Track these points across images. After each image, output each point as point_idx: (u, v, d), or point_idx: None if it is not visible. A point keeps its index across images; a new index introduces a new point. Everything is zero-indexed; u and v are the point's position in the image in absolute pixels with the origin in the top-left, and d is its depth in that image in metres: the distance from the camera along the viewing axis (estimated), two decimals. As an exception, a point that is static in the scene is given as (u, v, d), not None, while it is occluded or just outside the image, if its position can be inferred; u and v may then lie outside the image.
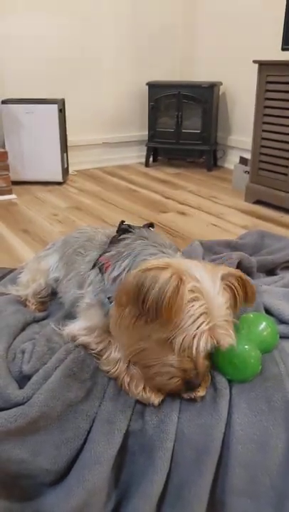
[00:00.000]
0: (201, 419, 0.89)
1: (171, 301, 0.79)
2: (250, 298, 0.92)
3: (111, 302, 0.95)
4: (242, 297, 0.91)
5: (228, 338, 0.84)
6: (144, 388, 0.90)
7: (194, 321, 0.81)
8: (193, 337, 0.81)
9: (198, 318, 0.81)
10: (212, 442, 0.87)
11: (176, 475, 0.89)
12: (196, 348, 0.81)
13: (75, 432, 0.90)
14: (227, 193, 3.58)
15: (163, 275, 0.80)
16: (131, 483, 0.91)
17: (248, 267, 1.38)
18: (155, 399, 0.89)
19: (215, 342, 0.82)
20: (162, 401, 0.90)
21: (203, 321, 0.81)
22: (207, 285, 0.85)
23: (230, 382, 0.93)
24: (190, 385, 0.87)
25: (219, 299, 0.85)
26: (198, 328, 0.81)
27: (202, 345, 0.81)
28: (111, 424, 0.89)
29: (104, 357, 0.94)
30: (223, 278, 0.88)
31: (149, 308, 0.79)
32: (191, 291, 0.82)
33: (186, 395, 0.90)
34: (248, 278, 0.93)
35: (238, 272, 0.91)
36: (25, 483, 0.93)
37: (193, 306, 0.82)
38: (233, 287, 0.89)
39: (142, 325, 0.83)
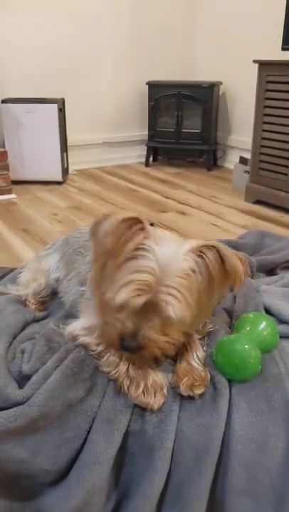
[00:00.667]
0: (201, 418, 0.89)
1: (115, 232, 0.79)
2: (231, 275, 0.84)
3: None
4: (218, 271, 0.84)
5: (168, 308, 0.80)
6: (143, 392, 0.89)
7: (130, 274, 0.80)
8: (121, 287, 0.80)
9: (135, 273, 0.80)
10: (212, 442, 0.87)
11: (176, 475, 0.89)
12: (125, 301, 0.80)
13: (74, 431, 0.90)
14: (227, 192, 3.58)
15: (120, 215, 0.81)
16: (131, 483, 0.91)
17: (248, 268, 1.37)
18: (154, 403, 0.88)
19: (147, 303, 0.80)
20: (161, 405, 0.90)
21: (139, 279, 0.79)
22: (165, 249, 0.82)
23: (230, 381, 0.93)
24: (124, 345, 0.84)
25: (174, 266, 0.81)
26: (129, 282, 0.79)
27: (128, 299, 0.79)
28: (111, 424, 0.89)
29: (104, 359, 0.94)
30: (194, 249, 0.84)
31: (99, 245, 0.81)
32: (143, 248, 0.81)
33: (184, 393, 0.90)
34: (231, 252, 0.85)
35: (216, 243, 0.85)
36: (25, 482, 0.93)
37: (137, 261, 0.81)
38: (207, 259, 0.83)
39: (102, 273, 0.85)
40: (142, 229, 0.83)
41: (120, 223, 0.81)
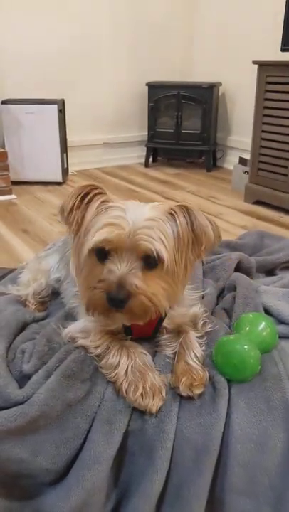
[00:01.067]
0: (201, 418, 0.89)
1: (74, 197, 0.88)
2: (200, 235, 0.88)
3: None
4: (187, 230, 0.87)
5: (146, 244, 0.84)
6: (141, 394, 0.89)
7: (101, 223, 0.86)
8: (95, 233, 0.85)
9: (106, 219, 0.86)
10: (211, 442, 0.87)
11: (175, 474, 0.90)
12: (102, 240, 0.84)
13: (74, 431, 0.91)
14: (226, 193, 3.59)
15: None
16: (130, 482, 0.92)
17: (248, 267, 1.38)
18: (152, 406, 0.88)
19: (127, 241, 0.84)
20: (160, 408, 0.90)
21: (111, 221, 0.85)
22: (131, 205, 0.89)
23: (229, 382, 0.93)
24: (112, 299, 0.84)
25: (144, 214, 0.87)
26: (102, 225, 0.86)
27: (103, 236, 0.84)
28: (110, 424, 0.89)
29: (102, 362, 0.94)
30: (163, 206, 0.89)
31: (65, 217, 0.90)
32: (108, 206, 0.89)
33: (183, 393, 0.90)
34: (202, 214, 0.89)
35: (187, 204, 0.89)
36: (25, 482, 0.94)
37: (105, 214, 0.88)
38: (176, 216, 0.88)
39: (75, 243, 0.92)
40: (101, 193, 0.91)
41: (77, 192, 0.89)
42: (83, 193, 0.90)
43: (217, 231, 0.90)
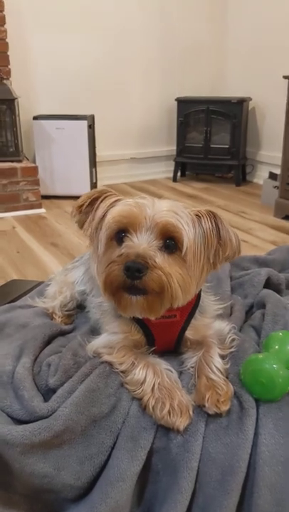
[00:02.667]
0: (227, 438, 0.87)
1: (82, 200, 0.92)
2: (224, 242, 0.89)
3: None
4: (211, 234, 0.89)
5: (165, 218, 0.86)
6: (168, 412, 0.87)
7: (117, 207, 0.90)
8: (113, 215, 0.89)
9: (123, 204, 0.90)
10: (238, 463, 0.85)
11: (201, 495, 0.87)
12: (119, 214, 0.87)
13: (98, 447, 0.90)
14: (256, 208, 3.56)
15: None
16: (154, 502, 0.90)
17: (277, 284, 1.35)
18: (180, 424, 0.86)
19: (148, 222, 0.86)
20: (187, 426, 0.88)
21: (129, 203, 0.89)
22: (149, 199, 0.91)
23: (257, 401, 0.91)
24: (129, 269, 0.83)
25: (161, 203, 0.90)
26: (120, 207, 0.89)
27: (120, 211, 0.87)
28: (135, 441, 0.88)
29: (128, 378, 0.93)
30: (191, 209, 0.90)
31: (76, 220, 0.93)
32: (120, 200, 0.92)
33: (210, 411, 0.88)
34: (227, 223, 0.91)
35: (214, 211, 0.91)
36: (48, 497, 0.93)
37: (122, 202, 0.91)
38: (203, 219, 0.89)
39: (93, 244, 0.94)
40: (113, 194, 0.94)
41: (90, 194, 0.93)
42: (95, 195, 0.93)
43: (238, 245, 0.91)
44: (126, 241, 0.88)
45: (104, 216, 0.92)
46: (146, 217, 0.87)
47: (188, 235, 0.87)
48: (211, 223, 0.89)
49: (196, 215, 0.90)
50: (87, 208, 0.94)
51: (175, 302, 0.90)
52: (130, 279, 0.84)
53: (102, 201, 0.93)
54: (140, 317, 0.94)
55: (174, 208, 0.89)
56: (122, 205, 0.90)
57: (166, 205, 0.90)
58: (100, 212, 0.92)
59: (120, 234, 0.89)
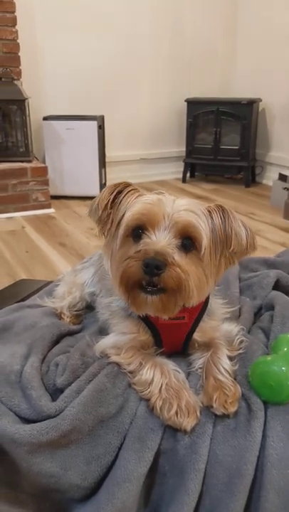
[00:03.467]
0: (235, 440, 0.87)
1: (106, 194, 0.89)
2: (229, 236, 0.88)
3: None
4: (221, 230, 0.88)
5: (184, 218, 0.85)
6: (176, 412, 0.87)
7: (136, 205, 0.89)
8: (131, 212, 0.88)
9: (142, 202, 0.89)
10: (245, 465, 0.84)
11: (207, 497, 0.87)
12: (137, 212, 0.86)
13: (106, 448, 0.90)
14: (265, 209, 3.54)
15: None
16: (160, 503, 0.90)
17: (286, 286, 1.34)
18: (187, 424, 0.86)
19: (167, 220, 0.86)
20: (194, 427, 0.88)
21: (147, 200, 0.88)
22: (167, 196, 0.90)
23: (265, 403, 0.91)
24: (148, 265, 0.82)
25: (179, 201, 0.89)
26: (138, 206, 0.88)
27: (139, 210, 0.86)
28: (142, 442, 0.87)
29: (136, 378, 0.93)
30: (203, 207, 0.90)
31: (98, 215, 0.90)
32: (141, 196, 0.90)
33: (218, 412, 0.88)
34: (239, 218, 0.90)
35: (226, 207, 0.90)
36: (54, 497, 0.93)
37: (141, 199, 0.90)
38: (214, 214, 0.89)
39: (107, 239, 0.93)
40: (134, 189, 0.92)
41: (111, 189, 0.91)
42: (117, 190, 0.91)
43: (251, 239, 0.90)
44: (144, 238, 0.87)
45: (124, 212, 0.91)
46: (166, 215, 0.87)
47: (207, 234, 0.87)
48: (220, 218, 0.89)
49: (208, 211, 0.90)
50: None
51: (190, 301, 0.89)
52: (149, 276, 0.83)
53: (124, 196, 0.92)
54: (153, 316, 0.94)
55: (193, 207, 0.89)
56: (142, 203, 0.89)
57: (185, 203, 0.89)
58: (122, 208, 0.91)
59: (137, 231, 0.89)
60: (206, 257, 0.88)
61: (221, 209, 0.90)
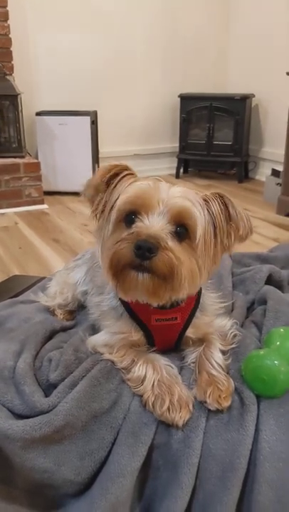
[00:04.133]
0: (228, 434, 0.87)
1: (102, 173, 0.87)
2: (234, 223, 0.87)
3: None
4: (221, 216, 0.87)
5: (179, 203, 0.84)
6: (168, 408, 0.87)
7: (130, 189, 0.87)
8: (125, 196, 0.86)
9: (136, 187, 0.87)
10: (238, 459, 0.85)
11: (201, 491, 0.87)
12: (131, 195, 0.84)
13: (99, 443, 0.90)
14: (258, 205, 3.55)
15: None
16: (154, 498, 0.90)
17: (278, 281, 1.35)
18: (179, 419, 0.86)
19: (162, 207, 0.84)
20: (187, 421, 0.88)
21: (140, 185, 0.86)
22: (163, 183, 0.88)
23: (258, 397, 0.91)
24: (140, 248, 0.79)
25: (174, 188, 0.87)
26: (133, 189, 0.86)
27: (132, 192, 0.85)
28: (135, 437, 0.88)
29: (128, 375, 0.93)
30: (199, 193, 0.88)
31: (90, 193, 0.88)
32: (134, 180, 0.88)
33: (211, 407, 0.88)
34: (237, 204, 0.88)
35: (222, 193, 0.88)
36: (48, 492, 0.93)
37: (136, 184, 0.87)
38: (211, 202, 0.87)
39: (99, 224, 0.90)
40: (131, 174, 0.90)
41: (106, 170, 0.88)
42: (113, 172, 0.89)
43: (249, 224, 0.89)
44: (136, 222, 0.85)
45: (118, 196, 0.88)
46: (160, 200, 0.84)
47: (202, 223, 0.85)
48: (220, 206, 0.87)
49: (204, 200, 0.88)
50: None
51: (180, 292, 0.86)
52: (140, 259, 0.80)
53: (120, 180, 0.89)
54: (142, 301, 0.90)
55: (189, 195, 0.87)
56: (137, 187, 0.87)
57: (181, 190, 0.88)
58: (116, 192, 0.88)
59: (130, 216, 0.86)
60: (200, 248, 0.85)
61: (219, 196, 0.88)
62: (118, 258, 0.83)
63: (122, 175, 0.89)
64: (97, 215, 0.91)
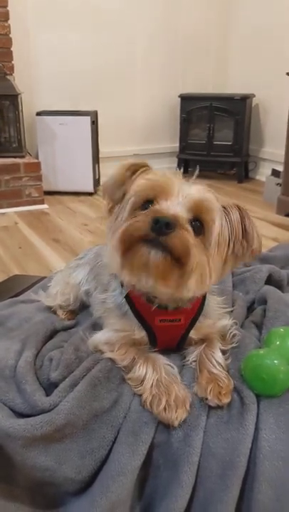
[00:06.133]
0: (228, 433, 0.87)
1: (121, 173, 0.87)
2: (249, 235, 0.87)
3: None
4: (237, 226, 0.86)
5: (197, 194, 0.83)
6: (164, 408, 0.87)
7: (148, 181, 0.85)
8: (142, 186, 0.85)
9: (150, 175, 0.86)
10: (238, 457, 0.85)
11: (201, 490, 0.88)
12: (145, 183, 0.84)
13: (100, 441, 0.90)
14: (258, 205, 3.55)
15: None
16: (155, 496, 0.90)
17: (278, 280, 1.35)
18: (175, 419, 0.87)
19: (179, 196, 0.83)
20: (185, 419, 0.88)
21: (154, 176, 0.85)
22: (176, 179, 0.86)
23: (258, 396, 0.91)
24: (158, 221, 0.76)
25: (193, 184, 0.86)
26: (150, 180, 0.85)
27: (146, 181, 0.84)
28: (136, 436, 0.88)
29: (129, 375, 0.94)
30: (218, 202, 0.87)
31: (111, 192, 0.88)
32: (148, 175, 0.87)
33: (212, 403, 0.89)
34: (250, 217, 0.88)
35: (240, 205, 0.88)
36: (49, 490, 0.94)
37: (152, 173, 0.87)
38: (230, 211, 0.87)
39: (114, 213, 0.89)
40: (149, 169, 0.89)
41: (126, 166, 0.88)
42: (133, 169, 0.88)
43: (260, 241, 0.89)
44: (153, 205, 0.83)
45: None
46: (180, 190, 0.83)
47: (219, 222, 0.84)
48: (239, 216, 0.87)
49: (223, 207, 0.87)
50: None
51: (187, 283, 0.82)
52: (156, 233, 0.77)
53: (139, 176, 0.88)
54: (148, 285, 0.84)
55: (209, 193, 0.87)
56: (157, 175, 0.86)
57: (202, 187, 0.87)
58: (136, 182, 0.87)
59: (148, 204, 0.84)
60: (213, 247, 0.83)
61: (238, 208, 0.88)
62: (131, 232, 0.80)
63: (141, 170, 0.89)
64: (112, 210, 0.90)
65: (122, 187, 0.88)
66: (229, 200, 0.89)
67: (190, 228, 0.80)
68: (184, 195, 0.83)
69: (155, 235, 0.77)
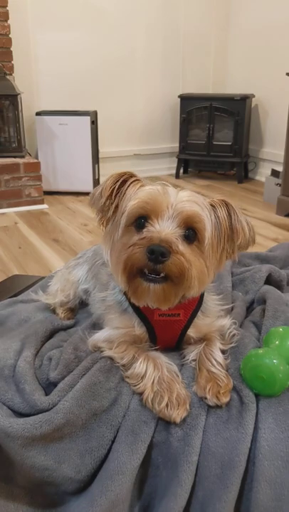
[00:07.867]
0: (227, 432, 0.87)
1: (110, 183, 0.89)
2: (237, 232, 0.90)
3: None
4: (225, 223, 0.89)
5: (188, 207, 0.86)
6: (166, 405, 0.88)
7: (140, 193, 0.89)
8: (135, 201, 0.88)
9: (146, 192, 0.89)
10: (238, 457, 0.85)
11: (200, 489, 0.88)
12: (140, 201, 0.87)
13: (99, 441, 0.90)
14: (258, 205, 3.55)
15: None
16: (154, 496, 0.90)
17: (278, 280, 1.35)
18: (177, 416, 0.87)
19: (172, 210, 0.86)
20: (185, 418, 0.88)
21: (152, 190, 0.88)
22: (171, 188, 0.90)
23: (257, 396, 0.91)
24: (153, 252, 0.82)
25: (182, 192, 0.89)
26: (142, 194, 0.88)
27: (141, 198, 0.87)
28: (135, 435, 0.88)
29: (128, 372, 0.94)
30: (206, 200, 0.90)
31: (101, 204, 0.90)
32: (144, 187, 0.90)
33: (211, 403, 0.89)
34: (241, 213, 0.92)
35: (228, 201, 0.91)
36: (48, 490, 0.94)
37: (145, 189, 0.90)
38: (217, 208, 0.90)
39: (108, 229, 0.93)
40: (138, 180, 0.92)
41: (114, 179, 0.90)
42: (121, 180, 0.91)
43: (252, 233, 0.92)
44: (147, 226, 0.87)
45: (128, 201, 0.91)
46: (169, 205, 0.87)
47: (209, 226, 0.88)
48: (225, 212, 0.90)
49: (211, 205, 0.91)
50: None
51: (190, 292, 0.89)
52: (153, 263, 0.83)
53: (128, 186, 0.92)
54: (152, 307, 0.93)
55: (196, 199, 0.90)
56: (146, 192, 0.90)
57: (188, 194, 0.90)
58: (126, 198, 0.91)
59: (140, 220, 0.89)
60: (208, 249, 0.89)
61: (225, 204, 0.91)
62: (132, 263, 0.86)
63: (129, 182, 0.92)
64: (104, 223, 0.94)
65: (109, 199, 0.91)
66: (217, 197, 0.93)
67: (183, 247, 0.86)
68: (174, 209, 0.87)
69: (153, 264, 0.83)
